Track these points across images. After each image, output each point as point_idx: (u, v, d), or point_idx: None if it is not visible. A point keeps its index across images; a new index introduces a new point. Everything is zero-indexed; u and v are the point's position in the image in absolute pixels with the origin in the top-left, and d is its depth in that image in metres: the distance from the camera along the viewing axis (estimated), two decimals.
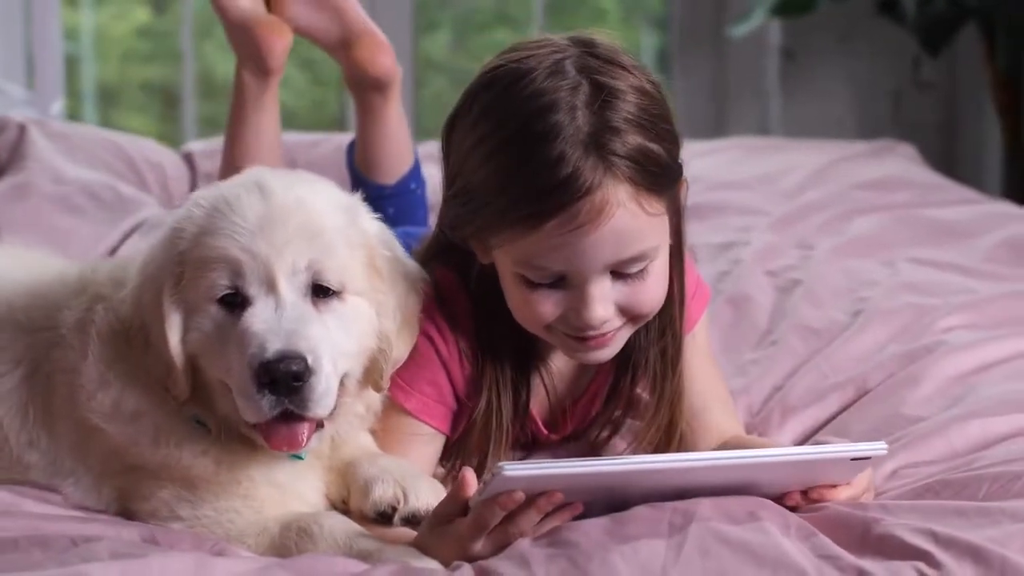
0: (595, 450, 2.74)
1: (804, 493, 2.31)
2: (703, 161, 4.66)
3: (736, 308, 3.38)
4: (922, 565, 2.07)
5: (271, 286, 2.33)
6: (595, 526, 2.16)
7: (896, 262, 3.68)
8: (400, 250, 2.53)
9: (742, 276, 3.57)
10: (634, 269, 2.43)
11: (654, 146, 2.40)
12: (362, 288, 2.41)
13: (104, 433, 2.42)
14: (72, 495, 2.46)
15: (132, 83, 7.23)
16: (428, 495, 2.39)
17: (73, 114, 6.61)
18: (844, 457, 2.27)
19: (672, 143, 2.46)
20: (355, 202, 2.50)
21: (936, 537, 2.12)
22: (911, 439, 2.61)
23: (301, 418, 2.31)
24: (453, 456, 2.63)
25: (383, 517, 2.39)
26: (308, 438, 2.34)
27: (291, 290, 2.34)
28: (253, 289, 2.33)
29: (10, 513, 2.34)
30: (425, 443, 2.59)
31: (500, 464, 2.14)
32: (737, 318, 3.35)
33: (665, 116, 2.46)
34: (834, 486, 2.32)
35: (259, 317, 2.31)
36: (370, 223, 2.49)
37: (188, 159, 4.58)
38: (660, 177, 2.41)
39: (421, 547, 2.29)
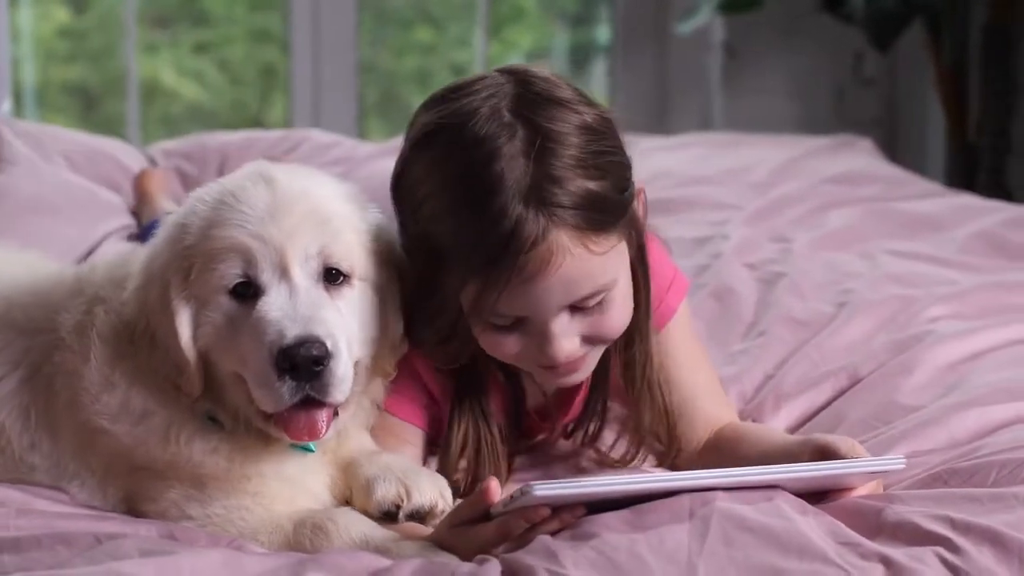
0: (587, 444, 2.73)
1: (818, 498, 2.34)
2: (670, 156, 4.69)
3: (720, 301, 3.41)
4: (942, 550, 2.10)
5: (284, 272, 2.33)
6: (614, 517, 2.18)
7: (875, 255, 3.73)
8: (396, 239, 2.53)
9: (723, 270, 3.60)
10: (592, 303, 2.43)
11: (596, 186, 2.38)
12: (368, 274, 2.42)
13: (109, 435, 2.40)
14: (78, 496, 2.45)
15: (54, 83, 7.16)
16: (431, 491, 2.40)
17: (15, 115, 6.53)
18: (863, 472, 2.32)
19: (619, 174, 2.44)
20: (356, 191, 2.51)
21: (953, 523, 2.15)
22: (910, 428, 2.64)
23: (319, 405, 2.31)
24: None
25: (387, 515, 2.39)
26: (327, 426, 2.34)
27: (304, 276, 2.34)
28: (265, 276, 2.33)
29: (25, 512, 2.32)
30: (404, 439, 2.59)
31: (530, 484, 2.15)
32: (722, 311, 3.37)
33: (609, 148, 2.43)
34: (847, 489, 2.35)
35: (274, 304, 2.31)
36: (372, 212, 2.50)
37: (153, 160, 4.59)
38: (606, 215, 2.40)
39: (438, 544, 2.30)
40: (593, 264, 2.39)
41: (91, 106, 7.08)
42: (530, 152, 2.35)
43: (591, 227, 2.37)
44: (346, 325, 2.35)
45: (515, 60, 7.39)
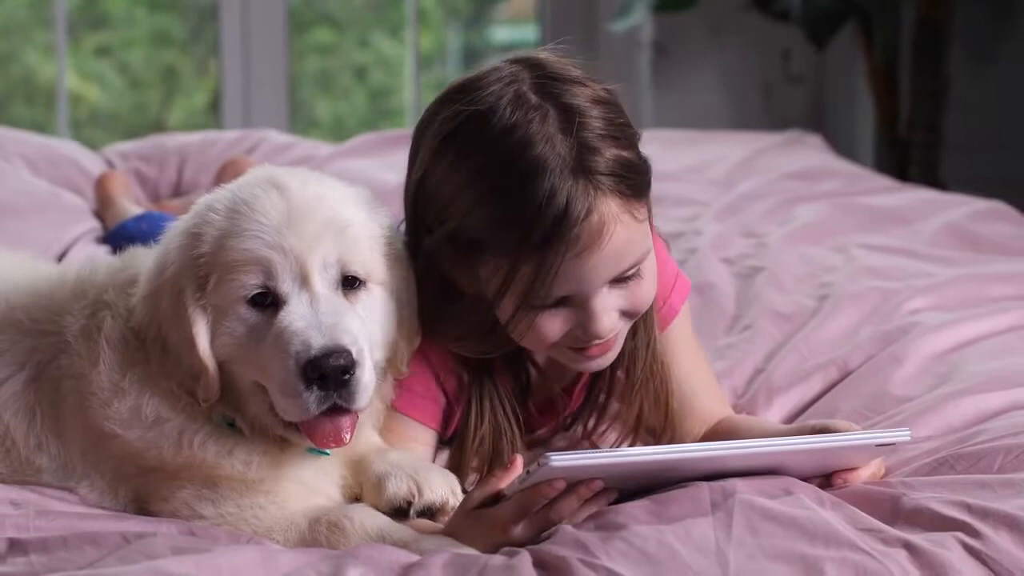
0: (585, 437, 2.75)
1: (825, 478, 2.38)
2: None
3: (702, 296, 3.43)
4: (962, 535, 2.15)
5: (304, 282, 2.33)
6: (637, 508, 2.21)
7: (848, 248, 3.78)
8: (402, 241, 2.54)
9: (701, 265, 3.64)
10: (631, 274, 2.47)
11: (628, 153, 2.44)
12: (383, 278, 2.43)
13: (119, 439, 2.39)
14: (87, 497, 2.43)
15: None
16: (442, 487, 2.41)
17: None
18: (870, 443, 2.35)
19: (636, 145, 2.50)
20: (367, 195, 2.51)
21: (970, 508, 2.20)
22: (905, 416, 2.68)
23: (343, 412, 2.31)
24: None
25: (399, 512, 2.40)
26: (352, 431, 2.34)
27: (324, 284, 2.34)
28: (285, 287, 2.32)
29: (44, 512, 2.30)
30: (413, 439, 2.60)
31: (547, 454, 2.17)
32: (705, 305, 3.40)
33: (625, 120, 2.49)
34: (852, 469, 2.39)
35: (296, 314, 2.30)
36: (383, 215, 2.50)
37: (110, 163, 4.56)
38: (640, 180, 2.46)
39: (454, 533, 2.31)
40: (635, 232, 2.44)
41: None
42: (568, 128, 2.39)
43: (632, 193, 2.42)
44: (366, 331, 2.36)
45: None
